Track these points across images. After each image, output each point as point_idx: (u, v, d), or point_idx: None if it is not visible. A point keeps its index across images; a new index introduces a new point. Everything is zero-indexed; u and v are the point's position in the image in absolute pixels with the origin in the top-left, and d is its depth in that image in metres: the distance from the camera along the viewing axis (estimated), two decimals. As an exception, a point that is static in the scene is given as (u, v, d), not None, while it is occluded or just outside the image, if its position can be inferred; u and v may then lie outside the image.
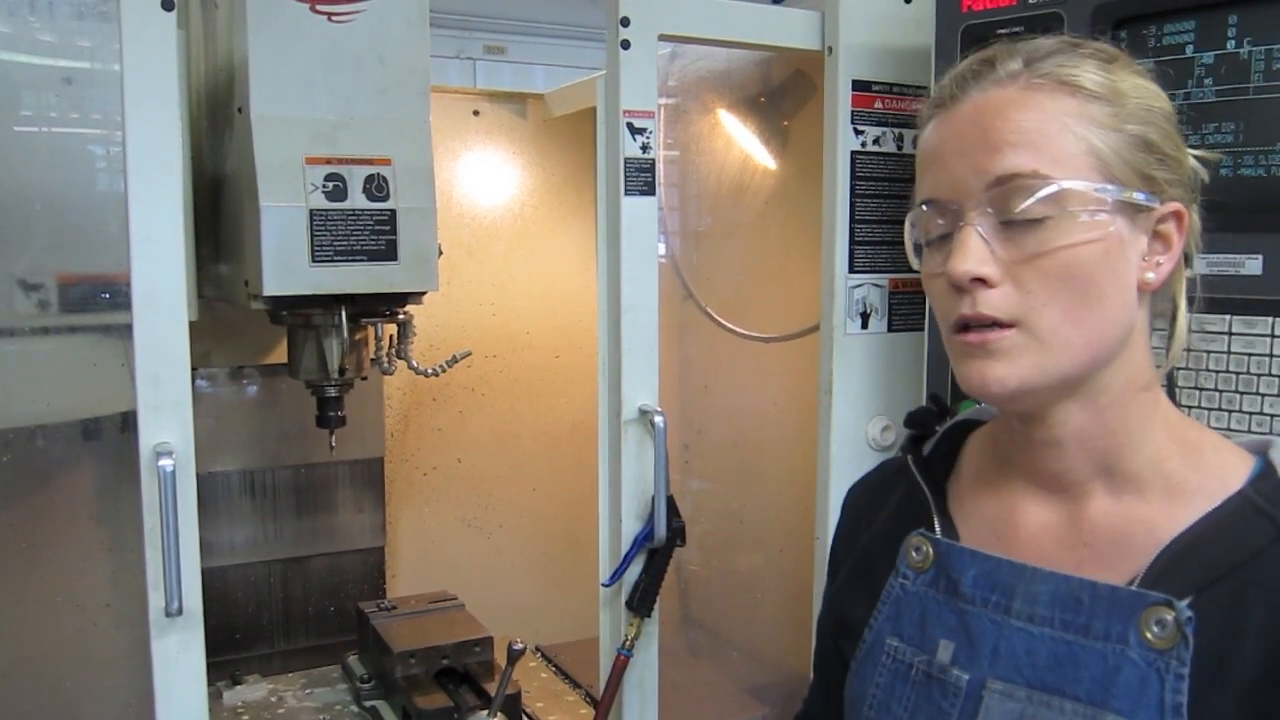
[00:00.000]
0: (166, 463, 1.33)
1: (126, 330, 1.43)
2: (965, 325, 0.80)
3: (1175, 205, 0.82)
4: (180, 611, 1.35)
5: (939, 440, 0.99)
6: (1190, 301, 0.87)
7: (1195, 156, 0.85)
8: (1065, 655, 0.79)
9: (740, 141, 2.16)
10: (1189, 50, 1.37)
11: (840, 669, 0.98)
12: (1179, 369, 1.37)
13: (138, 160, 1.35)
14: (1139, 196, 0.79)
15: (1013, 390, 0.80)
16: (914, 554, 0.91)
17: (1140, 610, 0.77)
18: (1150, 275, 0.82)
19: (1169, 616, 0.75)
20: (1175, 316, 0.87)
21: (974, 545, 0.89)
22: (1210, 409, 1.34)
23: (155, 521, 1.34)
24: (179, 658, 1.39)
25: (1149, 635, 0.76)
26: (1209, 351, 1.34)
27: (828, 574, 1.07)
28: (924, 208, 0.84)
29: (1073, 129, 0.79)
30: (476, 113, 2.43)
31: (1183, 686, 0.74)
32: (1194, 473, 0.82)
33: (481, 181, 2.46)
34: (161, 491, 1.32)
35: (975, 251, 0.79)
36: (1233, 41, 1.33)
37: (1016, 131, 0.78)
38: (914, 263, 0.88)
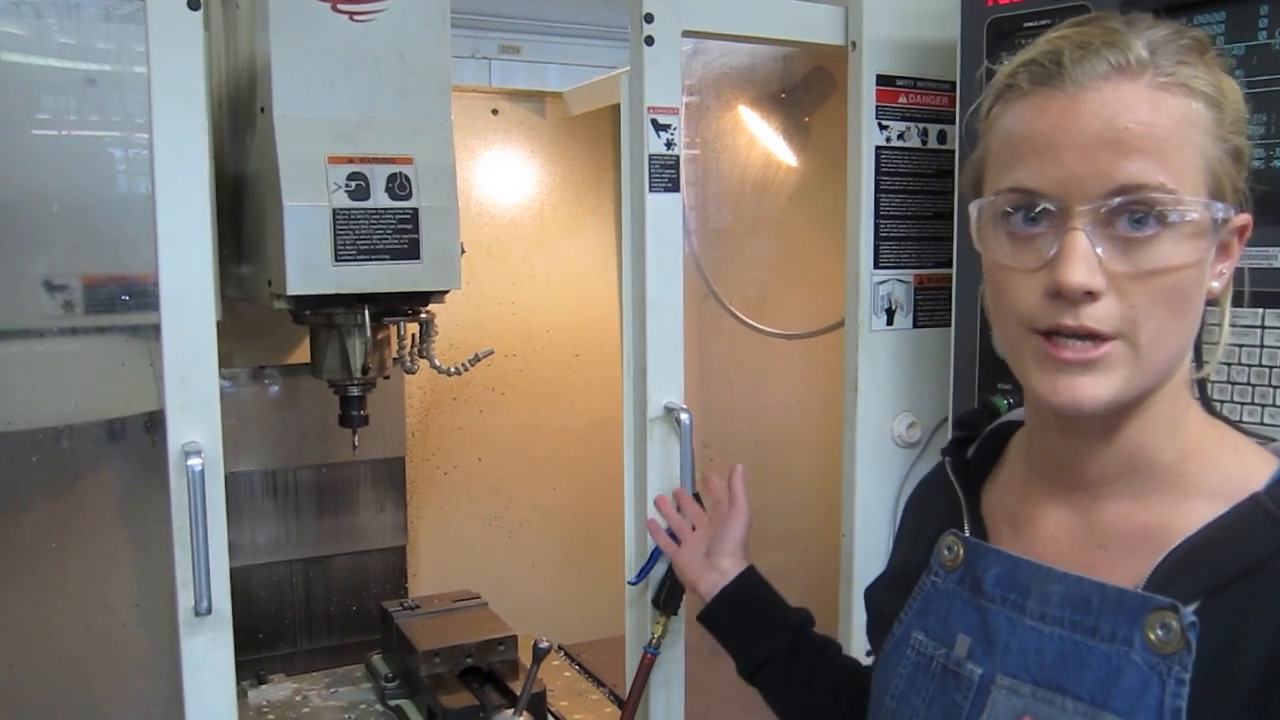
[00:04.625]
0: (195, 462, 1.33)
1: (152, 330, 1.44)
2: (1054, 331, 0.77)
3: (1246, 218, 0.81)
4: (209, 611, 1.35)
5: (981, 442, 0.99)
6: (1237, 297, 0.86)
7: None
8: (1071, 655, 0.80)
9: (761, 138, 2.15)
10: (1220, 42, 1.36)
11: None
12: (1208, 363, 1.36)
13: (165, 161, 1.35)
14: (1231, 213, 0.78)
15: (1104, 406, 0.77)
16: (946, 553, 0.92)
17: (1146, 614, 0.77)
18: (1215, 285, 0.81)
19: (1173, 621, 0.75)
20: (1220, 320, 0.85)
21: (1001, 545, 0.89)
22: (1243, 403, 1.33)
23: (184, 521, 1.34)
24: (208, 656, 1.39)
25: (1153, 638, 0.76)
26: (1241, 345, 1.33)
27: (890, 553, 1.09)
28: (1019, 195, 0.78)
29: (1193, 140, 0.75)
30: (495, 112, 2.43)
31: (1183, 691, 0.74)
32: (1212, 474, 0.81)
33: (500, 180, 2.45)
34: (190, 491, 1.32)
35: (1088, 260, 0.74)
36: (1264, 33, 1.32)
37: (1148, 138, 0.74)
38: (977, 244, 0.83)
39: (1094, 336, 0.76)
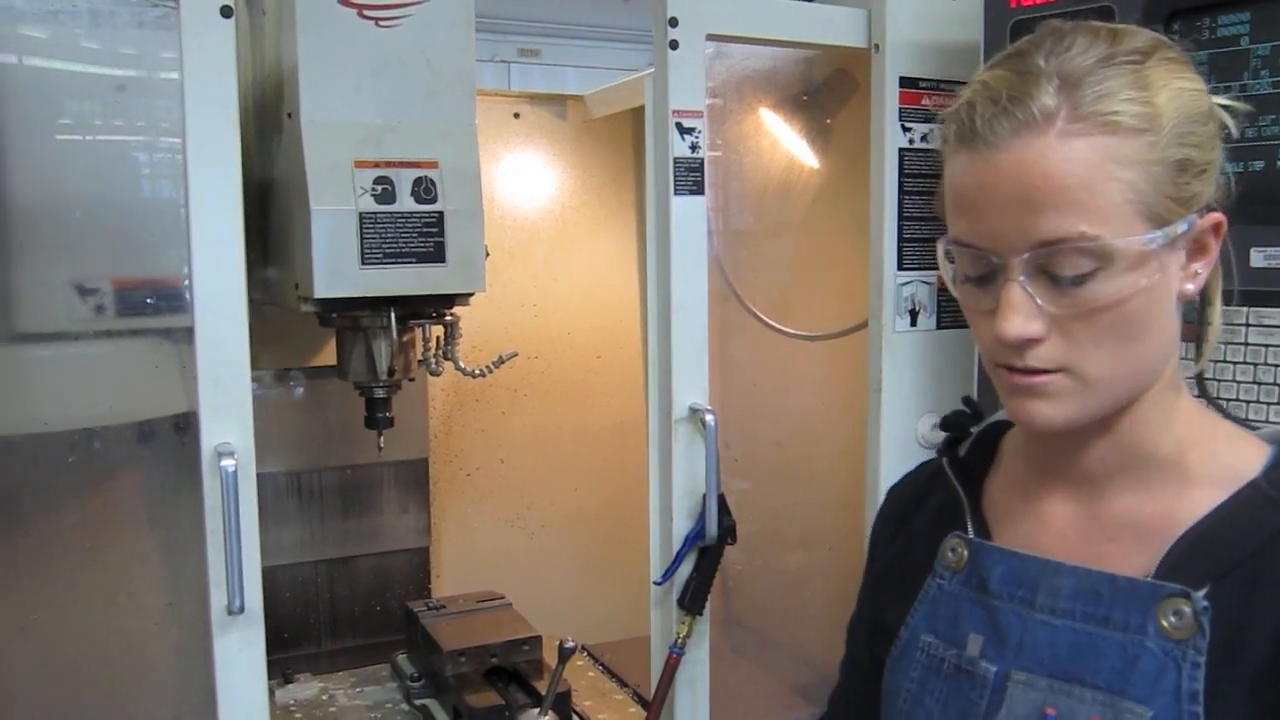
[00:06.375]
0: (228, 463, 1.35)
1: (182, 333, 1.45)
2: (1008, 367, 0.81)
3: (1215, 217, 0.80)
4: (242, 609, 1.37)
5: (974, 441, 1.00)
6: (1228, 296, 0.87)
7: (1223, 106, 0.82)
8: (1085, 646, 0.81)
9: (783, 140, 2.16)
10: (1244, 42, 1.36)
11: (874, 671, 0.99)
12: (1232, 363, 1.36)
13: (197, 165, 1.37)
14: (1181, 226, 0.77)
15: (1059, 426, 0.81)
16: (950, 555, 0.93)
17: (1157, 601, 0.79)
18: (1189, 286, 0.81)
19: (1186, 607, 0.77)
20: (1209, 317, 0.87)
21: (1005, 543, 0.90)
22: (1270, 404, 1.33)
23: (217, 521, 1.36)
24: (240, 655, 1.41)
25: (1166, 625, 0.78)
26: (1268, 345, 1.33)
27: (866, 561, 1.09)
28: (961, 247, 0.82)
29: (1114, 175, 0.75)
30: (517, 115, 2.45)
31: (1199, 675, 0.76)
32: (1211, 463, 0.83)
33: (522, 183, 2.47)
34: (224, 491, 1.34)
35: (1023, 309, 0.77)
36: (1290, 32, 1.32)
37: (1058, 190, 0.75)
38: (951, 289, 0.86)
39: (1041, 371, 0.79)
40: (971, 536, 0.92)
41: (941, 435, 1.77)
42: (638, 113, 2.26)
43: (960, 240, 0.81)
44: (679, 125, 1.63)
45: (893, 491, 1.09)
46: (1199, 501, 0.82)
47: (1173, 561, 0.80)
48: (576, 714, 2.02)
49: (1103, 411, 0.81)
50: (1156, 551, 0.81)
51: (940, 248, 0.85)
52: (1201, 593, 0.77)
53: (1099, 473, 0.86)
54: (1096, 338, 0.78)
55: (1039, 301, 0.77)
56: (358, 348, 1.78)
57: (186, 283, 1.59)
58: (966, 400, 1.05)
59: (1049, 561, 0.85)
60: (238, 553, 1.35)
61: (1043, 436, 0.89)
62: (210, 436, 1.38)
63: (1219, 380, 1.37)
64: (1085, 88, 0.76)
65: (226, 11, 1.36)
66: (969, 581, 0.90)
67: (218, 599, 1.38)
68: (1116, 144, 0.75)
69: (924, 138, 1.74)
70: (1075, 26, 0.80)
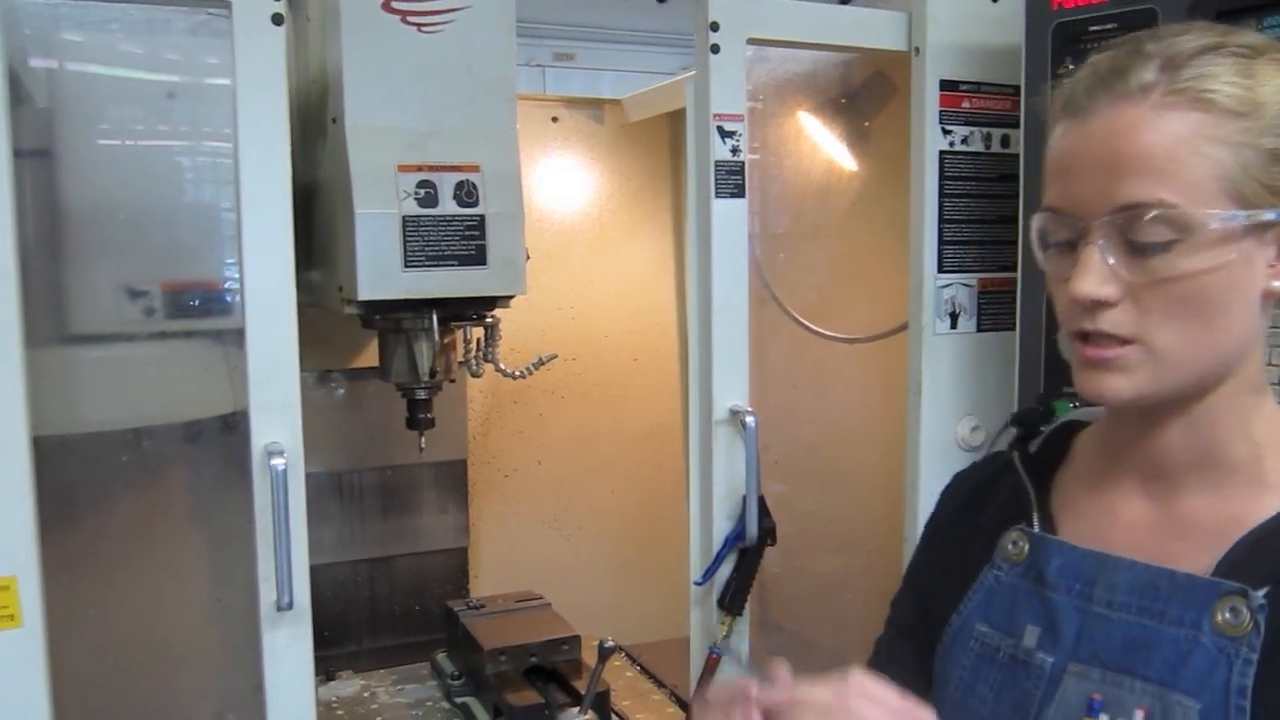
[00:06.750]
0: (278, 462, 1.37)
1: (230, 335, 1.48)
2: (1084, 334, 0.82)
3: None
4: (290, 605, 1.40)
5: (1046, 439, 1.01)
6: None
7: None
8: (1139, 639, 0.82)
9: (822, 143, 2.16)
10: (1290, 43, 1.35)
11: (919, 633, 1.00)
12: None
13: (249, 171, 1.40)
14: (1269, 215, 0.78)
15: (1126, 400, 0.82)
16: (1010, 547, 0.94)
17: (1215, 598, 0.80)
18: (1277, 284, 0.81)
19: (1243, 605, 0.78)
20: None
21: (1071, 537, 0.91)
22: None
23: (267, 519, 1.38)
24: (288, 650, 1.44)
25: (1221, 621, 0.79)
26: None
27: (920, 542, 1.10)
28: (1050, 214, 0.84)
29: (1203, 151, 0.77)
30: (555, 119, 2.47)
31: (1250, 671, 0.77)
32: None
33: (560, 187, 2.49)
34: (274, 490, 1.37)
35: (1097, 272, 0.79)
36: (1336, 34, 1.31)
37: (1144, 158, 0.77)
38: (1040, 260, 0.88)
39: (1114, 338, 0.80)
40: (1035, 530, 0.93)
41: (981, 436, 1.77)
42: (675, 116, 2.28)
43: (1049, 205, 0.83)
44: (720, 129, 1.64)
45: (959, 477, 1.10)
46: (1270, 505, 0.82)
47: (1232, 560, 0.80)
48: (615, 713, 2.03)
49: (1173, 391, 0.82)
50: (1220, 550, 0.82)
51: (1035, 225, 0.86)
52: (1261, 592, 0.78)
53: (1172, 469, 0.87)
54: (1169, 310, 0.79)
55: (1114, 264, 0.79)
56: (400, 349, 1.80)
57: (229, 285, 1.62)
58: (1039, 399, 1.06)
59: (1107, 556, 0.86)
60: (287, 550, 1.38)
61: (1119, 423, 0.90)
62: (260, 436, 1.41)
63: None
64: (1187, 68, 0.78)
65: (278, 19, 1.38)
66: (1027, 575, 0.92)
67: (266, 595, 1.41)
68: (1210, 122, 0.77)
69: (964, 140, 1.74)
70: (1193, 24, 0.82)
